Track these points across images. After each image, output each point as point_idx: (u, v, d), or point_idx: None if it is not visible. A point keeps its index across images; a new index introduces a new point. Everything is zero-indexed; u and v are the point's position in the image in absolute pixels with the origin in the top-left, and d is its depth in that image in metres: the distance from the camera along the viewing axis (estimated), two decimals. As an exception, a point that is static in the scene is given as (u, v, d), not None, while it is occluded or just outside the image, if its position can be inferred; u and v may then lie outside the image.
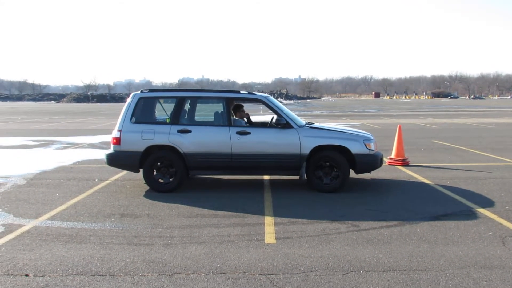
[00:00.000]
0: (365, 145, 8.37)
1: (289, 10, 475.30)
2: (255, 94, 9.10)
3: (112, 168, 9.43)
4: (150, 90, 8.80)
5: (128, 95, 10.45)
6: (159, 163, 8.33)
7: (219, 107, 8.64)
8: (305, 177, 8.29)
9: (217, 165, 8.30)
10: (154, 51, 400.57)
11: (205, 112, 9.44)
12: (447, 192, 8.31)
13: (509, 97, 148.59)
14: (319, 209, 7.15)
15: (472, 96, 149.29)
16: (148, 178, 8.35)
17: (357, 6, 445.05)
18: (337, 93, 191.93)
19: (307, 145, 8.19)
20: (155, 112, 8.86)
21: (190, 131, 8.29)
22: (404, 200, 7.72)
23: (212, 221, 6.51)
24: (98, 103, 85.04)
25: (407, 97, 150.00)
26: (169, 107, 8.76)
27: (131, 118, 8.41)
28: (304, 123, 8.78)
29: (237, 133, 8.26)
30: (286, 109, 8.81)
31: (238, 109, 9.14)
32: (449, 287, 4.43)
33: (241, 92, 9.06)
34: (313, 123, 9.02)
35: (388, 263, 4.98)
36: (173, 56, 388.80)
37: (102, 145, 15.70)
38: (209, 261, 5.05)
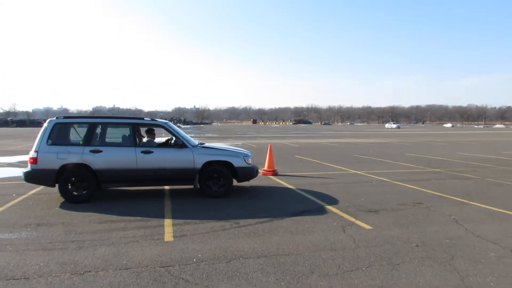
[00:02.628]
0: (244, 160, 8.58)
1: (186, 49, 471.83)
2: (156, 120, 8.83)
3: (29, 184, 8.52)
4: (65, 117, 8.21)
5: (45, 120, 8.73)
6: (73, 178, 7.82)
7: (127, 131, 8.39)
8: (198, 186, 8.31)
9: (125, 179, 8.00)
10: (71, 81, 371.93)
11: (116, 135, 8.86)
12: (305, 194, 8.62)
13: (348, 123, 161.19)
14: (209, 212, 7.09)
15: (323, 123, 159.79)
16: (63, 191, 7.80)
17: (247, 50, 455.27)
18: (224, 119, 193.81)
19: (199, 161, 8.25)
20: (69, 135, 8.32)
21: (101, 151, 7.92)
22: (274, 202, 7.88)
23: (120, 225, 6.15)
24: (18, 127, 76.55)
25: (276, 123, 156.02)
26: (83, 131, 8.24)
27: (47, 141, 7.85)
28: (197, 143, 8.75)
29: (142, 152, 8.08)
30: (182, 133, 8.75)
31: (150, 132, 8.90)
32: (305, 265, 4.63)
33: (145, 118, 8.77)
34: (204, 143, 9.02)
35: (261, 251, 5.07)
36: (87, 86, 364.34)
37: (20, 164, 14.12)
38: (116, 259, 4.76)
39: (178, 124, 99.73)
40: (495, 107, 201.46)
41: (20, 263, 4.63)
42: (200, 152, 8.39)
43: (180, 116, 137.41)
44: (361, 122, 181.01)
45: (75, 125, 8.50)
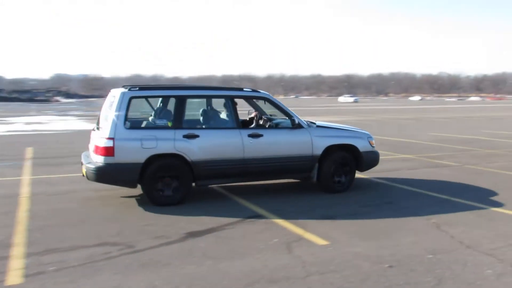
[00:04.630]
0: (369, 142, 9.02)
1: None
2: (259, 91, 8.74)
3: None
4: (140, 88, 7.76)
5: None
6: (163, 174, 7.50)
7: (226, 107, 8.40)
8: (315, 179, 8.52)
9: (228, 172, 7.92)
10: None
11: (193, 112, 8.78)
12: (232, 196, 8.23)
13: (293, 96, 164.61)
14: (88, 229, 6.30)
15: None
16: (150, 192, 7.46)
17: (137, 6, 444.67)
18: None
19: (319, 145, 8.49)
20: (152, 114, 8.23)
21: (198, 136, 7.71)
22: (189, 210, 7.33)
23: None
24: None
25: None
26: (165, 108, 8.23)
27: (124, 123, 7.37)
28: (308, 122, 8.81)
29: (249, 135, 8.05)
30: (288, 109, 8.67)
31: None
32: (233, 311, 4.08)
33: (244, 89, 8.70)
34: (316, 122, 9.02)
35: (166, 290, 4.45)
36: None
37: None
38: None
39: (56, 98, 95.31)
40: (469, 76, 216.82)
41: None
42: (318, 134, 8.54)
43: (61, 87, 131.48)
44: (309, 95, 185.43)
45: (156, 100, 8.44)
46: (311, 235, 6.09)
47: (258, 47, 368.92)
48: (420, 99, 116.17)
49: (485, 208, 7.53)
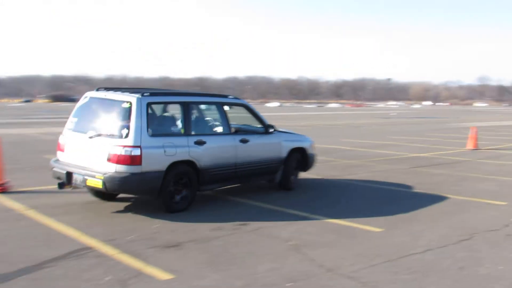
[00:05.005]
0: (311, 146, 11.48)
1: None
2: (238, 98, 10.48)
3: None
4: (152, 93, 8.63)
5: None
6: (179, 181, 8.60)
7: (218, 113, 9.79)
8: (278, 180, 10.61)
9: (224, 176, 9.38)
10: None
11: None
12: (58, 226, 7.65)
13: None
14: None
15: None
16: (166, 199, 8.46)
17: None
18: None
19: (285, 148, 10.64)
20: (167, 121, 9.19)
21: (205, 142, 8.94)
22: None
23: None
24: None
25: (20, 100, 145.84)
26: (174, 114, 9.23)
27: (147, 129, 8.18)
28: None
29: (240, 140, 9.65)
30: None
31: None
32: None
33: (229, 96, 10.35)
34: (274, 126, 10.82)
35: None
36: None
37: None
38: None
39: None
40: (328, 81, 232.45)
41: None
42: (284, 138, 10.68)
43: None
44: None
45: (168, 105, 9.43)
46: (153, 268, 5.87)
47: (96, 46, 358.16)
48: (279, 105, 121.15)
49: (345, 225, 7.94)
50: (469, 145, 20.35)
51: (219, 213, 8.60)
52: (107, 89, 8.98)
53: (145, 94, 8.43)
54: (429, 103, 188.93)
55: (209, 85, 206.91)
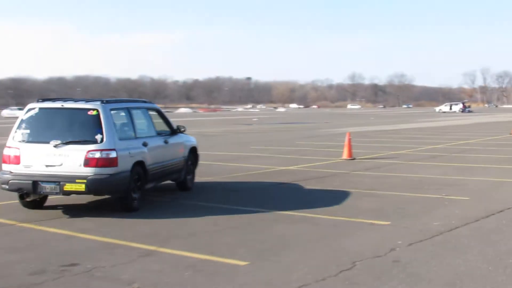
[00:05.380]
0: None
1: None
2: (152, 103, 14.14)
3: None
4: (107, 101, 11.11)
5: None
6: (137, 181, 11.13)
7: (147, 117, 12.65)
8: (182, 178, 13.51)
9: (158, 175, 12.09)
10: None
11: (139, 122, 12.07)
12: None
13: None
14: None
15: None
16: (126, 200, 10.93)
17: None
18: None
19: (187, 148, 13.89)
20: (124, 125, 11.61)
21: (148, 144, 11.66)
22: None
23: None
24: None
25: None
26: (123, 119, 11.54)
27: (116, 134, 10.77)
28: None
29: (164, 141, 12.65)
30: None
31: None
32: None
33: (146, 101, 14.28)
34: None
35: None
36: None
37: None
38: None
39: None
40: (177, 81, 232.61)
41: None
42: (185, 138, 13.90)
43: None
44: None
45: (121, 112, 11.68)
46: None
47: None
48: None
49: (203, 259, 7.80)
50: (345, 155, 21.08)
51: (47, 256, 8.08)
52: (58, 99, 11.39)
53: (105, 101, 10.98)
54: (296, 106, 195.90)
55: (28, 87, 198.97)
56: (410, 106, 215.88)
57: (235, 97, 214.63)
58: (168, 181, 13.38)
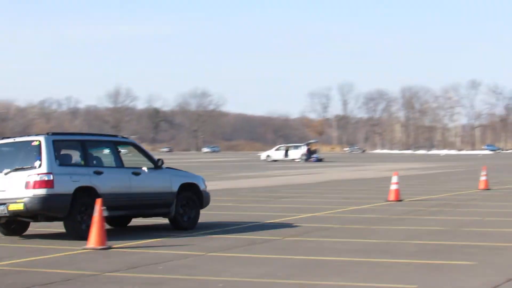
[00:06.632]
0: (204, 183, 15.34)
1: None
2: (127, 138, 16.59)
3: None
4: (54, 133, 13.44)
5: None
6: (83, 207, 12.43)
7: (112, 150, 14.17)
8: (173, 214, 14.09)
9: (122, 204, 13.24)
10: None
11: (100, 154, 13.95)
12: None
13: None
14: None
15: None
16: (72, 225, 12.45)
17: None
18: None
19: (175, 183, 14.46)
20: (70, 155, 13.41)
21: (102, 172, 13.21)
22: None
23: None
24: None
25: None
26: (76, 150, 13.37)
27: (55, 160, 12.41)
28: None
29: (133, 173, 13.77)
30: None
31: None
32: None
33: (119, 136, 16.05)
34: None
35: None
36: None
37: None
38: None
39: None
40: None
41: None
42: (172, 173, 14.72)
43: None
44: None
45: (69, 143, 13.79)
46: None
47: None
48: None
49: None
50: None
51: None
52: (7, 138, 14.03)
53: (49, 133, 13.11)
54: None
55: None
56: (216, 148, 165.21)
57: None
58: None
